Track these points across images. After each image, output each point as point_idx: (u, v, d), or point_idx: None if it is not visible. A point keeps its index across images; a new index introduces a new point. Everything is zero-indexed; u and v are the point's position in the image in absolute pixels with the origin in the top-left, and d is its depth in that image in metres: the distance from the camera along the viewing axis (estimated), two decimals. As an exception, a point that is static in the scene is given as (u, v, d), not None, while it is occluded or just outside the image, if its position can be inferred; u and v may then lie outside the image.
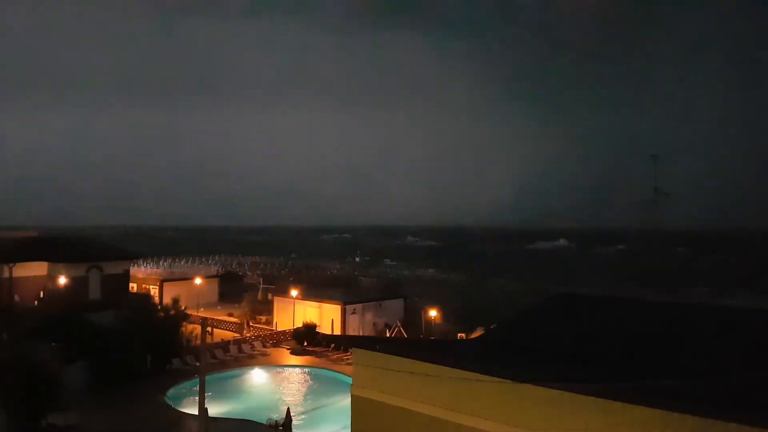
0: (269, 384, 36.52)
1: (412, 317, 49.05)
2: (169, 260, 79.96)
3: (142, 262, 68.65)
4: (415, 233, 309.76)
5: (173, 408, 29.12)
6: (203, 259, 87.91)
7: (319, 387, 34.89)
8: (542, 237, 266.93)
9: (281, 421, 25.79)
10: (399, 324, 46.42)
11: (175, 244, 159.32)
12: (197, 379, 24.89)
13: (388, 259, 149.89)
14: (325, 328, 45.51)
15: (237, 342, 42.00)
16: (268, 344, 43.33)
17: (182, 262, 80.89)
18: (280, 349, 42.58)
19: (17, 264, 40.24)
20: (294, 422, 25.78)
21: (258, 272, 79.19)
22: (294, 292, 48.94)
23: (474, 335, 38.77)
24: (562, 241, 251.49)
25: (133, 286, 54.40)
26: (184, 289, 57.53)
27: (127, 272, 45.22)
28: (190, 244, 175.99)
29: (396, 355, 18.09)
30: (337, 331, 45.53)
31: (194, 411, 25.58)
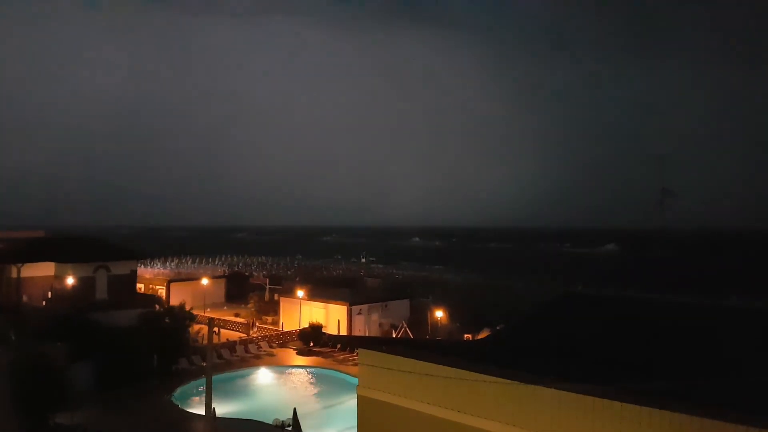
0: (275, 384, 36.54)
1: (418, 318, 48.93)
2: (176, 260, 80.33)
3: (149, 263, 69.01)
4: (420, 234, 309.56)
5: (180, 408, 29.17)
6: (210, 260, 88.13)
7: (325, 387, 34.88)
8: (549, 237, 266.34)
9: (288, 422, 25.78)
10: (405, 324, 46.35)
11: (182, 245, 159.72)
12: (204, 379, 24.91)
13: (394, 259, 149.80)
14: (331, 329, 45.49)
15: (243, 342, 42.05)
16: (274, 344, 43.36)
17: (189, 263, 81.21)
18: (287, 349, 42.61)
19: (25, 264, 40.48)
20: (300, 422, 25.75)
21: (264, 273, 79.24)
22: (300, 293, 48.96)
23: (480, 336, 38.67)
24: (569, 243, 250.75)
25: (140, 287, 54.57)
26: (190, 289, 57.73)
27: (134, 272, 45.38)
28: (197, 244, 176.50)
29: (402, 355, 18.05)
30: (343, 332, 45.51)
31: (201, 411, 25.60)
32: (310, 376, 37.16)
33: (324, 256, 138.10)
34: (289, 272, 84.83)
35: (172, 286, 58.84)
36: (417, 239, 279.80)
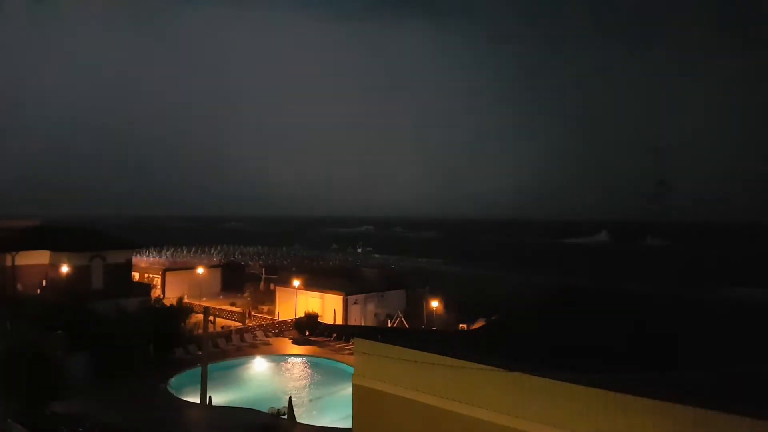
0: (271, 373, 36.63)
1: (414, 308, 49.09)
2: (172, 250, 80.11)
3: (144, 252, 68.84)
4: (417, 225, 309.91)
5: (176, 396, 29.23)
6: (206, 249, 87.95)
7: (320, 376, 35.00)
8: (544, 229, 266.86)
9: (283, 410, 25.89)
10: (401, 314, 46.50)
11: (177, 234, 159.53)
12: (199, 368, 24.97)
13: (391, 250, 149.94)
14: (327, 318, 45.60)
15: (239, 331, 42.10)
16: (270, 334, 43.44)
17: (185, 252, 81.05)
18: (282, 338, 42.69)
19: (20, 252, 40.39)
20: (296, 411, 25.89)
21: (260, 262, 79.17)
22: (296, 282, 49.01)
23: (475, 326, 38.84)
24: (564, 234, 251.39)
25: (136, 276, 54.53)
26: (186, 278, 57.73)
27: (130, 261, 45.32)
28: (193, 234, 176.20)
29: (397, 345, 18.12)
30: (339, 321, 45.63)
31: (196, 399, 25.69)
32: (306, 365, 37.27)
33: (320, 247, 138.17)
34: (285, 262, 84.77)
35: (168, 275, 58.80)
36: (414, 230, 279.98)
